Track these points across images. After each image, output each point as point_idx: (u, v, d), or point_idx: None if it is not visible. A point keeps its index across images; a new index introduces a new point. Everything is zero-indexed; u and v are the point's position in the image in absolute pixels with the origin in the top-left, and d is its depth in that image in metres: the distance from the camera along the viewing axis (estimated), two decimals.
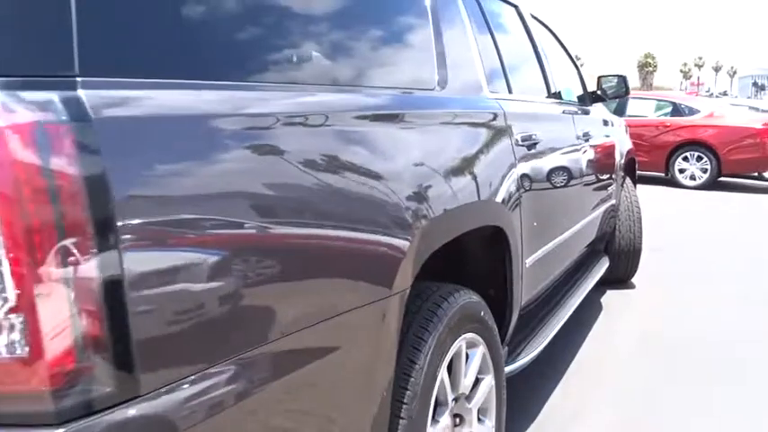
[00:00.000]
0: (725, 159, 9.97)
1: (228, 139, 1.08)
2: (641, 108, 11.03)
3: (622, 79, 3.99)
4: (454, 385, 1.82)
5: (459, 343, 1.82)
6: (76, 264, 0.83)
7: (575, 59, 4.07)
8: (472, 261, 2.10)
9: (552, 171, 2.71)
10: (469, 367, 1.90)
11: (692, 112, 10.55)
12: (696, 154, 10.21)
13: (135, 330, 0.88)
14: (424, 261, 1.58)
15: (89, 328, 0.84)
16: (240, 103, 1.15)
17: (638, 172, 9.61)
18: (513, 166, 2.23)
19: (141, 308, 0.89)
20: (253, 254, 1.07)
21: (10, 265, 0.81)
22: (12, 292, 0.81)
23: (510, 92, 2.55)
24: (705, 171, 10.16)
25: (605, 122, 4.12)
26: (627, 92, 4.01)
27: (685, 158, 10.30)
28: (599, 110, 4.14)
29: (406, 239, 1.47)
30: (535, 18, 3.43)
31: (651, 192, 9.68)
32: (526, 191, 2.30)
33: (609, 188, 3.96)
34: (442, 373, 1.71)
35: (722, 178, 10.43)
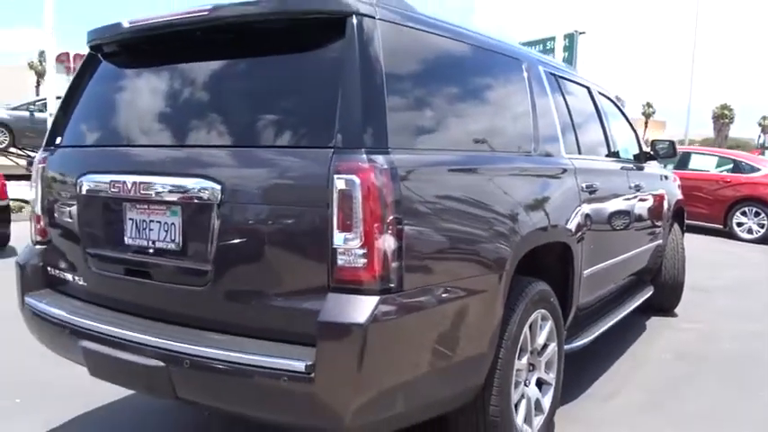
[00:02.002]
0: None
1: (444, 176, 2.29)
2: (704, 163, 11.76)
3: (671, 143, 4.98)
4: (532, 340, 2.86)
5: (537, 314, 2.86)
6: (387, 230, 1.96)
7: (634, 127, 5.08)
8: (551, 267, 3.14)
9: (606, 210, 3.74)
10: (542, 332, 2.94)
11: (753, 169, 11.22)
12: (754, 209, 10.86)
13: (405, 261, 2.01)
14: (521, 257, 2.66)
15: (390, 257, 1.97)
16: (444, 158, 2.32)
17: (696, 223, 10.35)
18: (578, 204, 3.28)
19: (409, 252, 2.02)
20: (456, 237, 2.26)
21: (363, 227, 1.94)
22: (362, 238, 1.95)
23: (579, 152, 3.60)
24: (762, 226, 10.78)
25: (657, 177, 5.09)
26: (674, 154, 4.99)
27: (743, 213, 10.96)
28: (652, 166, 5.12)
29: (513, 240, 2.57)
30: (602, 94, 4.48)
31: (708, 242, 10.38)
32: (586, 222, 3.34)
33: (655, 230, 4.90)
34: (526, 329, 2.76)
35: None
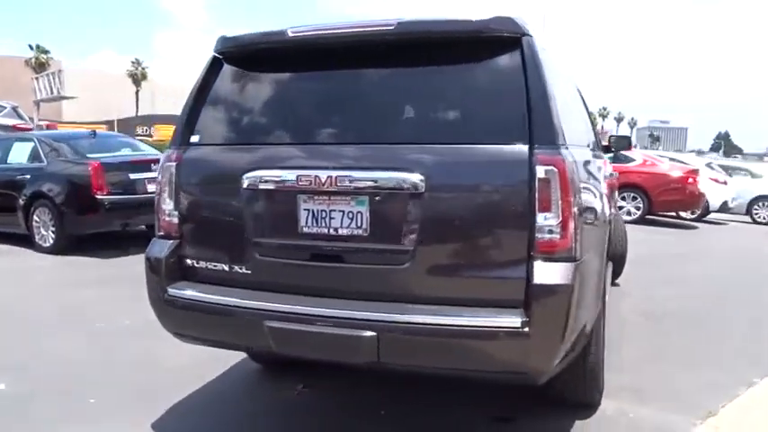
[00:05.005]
0: (655, 200, 12.31)
1: (585, 165, 2.78)
2: None
3: (628, 138, 5.89)
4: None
5: None
6: (573, 209, 2.44)
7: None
8: None
9: (610, 192, 4.48)
10: None
11: (629, 160, 12.88)
12: (632, 194, 12.50)
13: (579, 236, 2.49)
14: None
15: (575, 231, 2.45)
16: (582, 151, 2.85)
17: None
18: (605, 187, 3.96)
19: (581, 226, 2.50)
20: (594, 214, 2.78)
21: (561, 207, 2.40)
22: (559, 216, 2.41)
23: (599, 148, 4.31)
24: (639, 209, 12.45)
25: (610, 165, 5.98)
26: (630, 146, 5.91)
27: (623, 198, 12.57)
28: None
29: (607, 217, 3.16)
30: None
31: None
32: (608, 201, 4.03)
33: (613, 208, 5.78)
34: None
35: (649, 216, 12.76)
